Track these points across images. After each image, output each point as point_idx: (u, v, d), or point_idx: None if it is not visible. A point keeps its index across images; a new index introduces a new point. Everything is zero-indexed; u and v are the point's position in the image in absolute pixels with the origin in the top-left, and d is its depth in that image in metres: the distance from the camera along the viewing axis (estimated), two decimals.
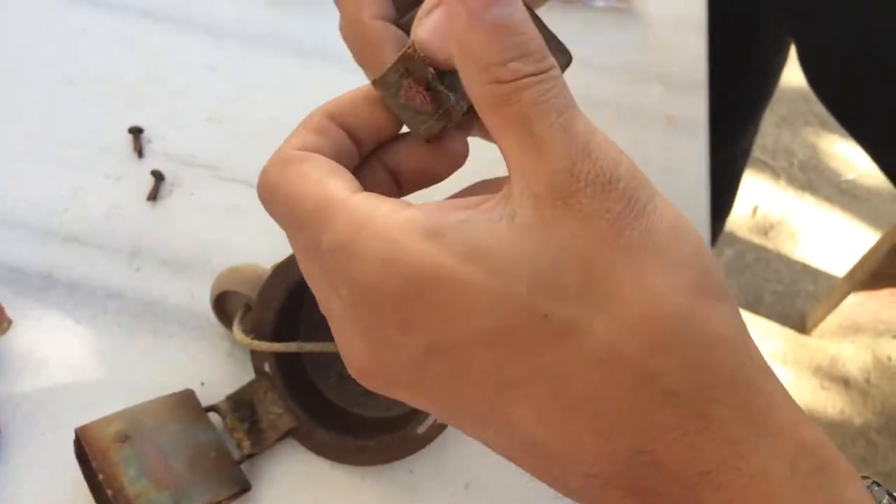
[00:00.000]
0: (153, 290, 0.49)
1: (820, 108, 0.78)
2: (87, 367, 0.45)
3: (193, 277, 0.49)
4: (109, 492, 0.36)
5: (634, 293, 0.22)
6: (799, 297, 1.46)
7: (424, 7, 0.27)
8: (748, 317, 1.42)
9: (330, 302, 0.26)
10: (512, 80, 0.23)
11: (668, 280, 0.23)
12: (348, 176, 0.26)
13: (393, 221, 0.23)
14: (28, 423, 0.43)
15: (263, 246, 0.48)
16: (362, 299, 0.24)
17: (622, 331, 0.22)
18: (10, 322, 0.45)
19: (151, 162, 0.54)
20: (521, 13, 0.24)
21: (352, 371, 0.26)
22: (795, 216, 1.55)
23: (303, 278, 0.38)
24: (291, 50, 0.59)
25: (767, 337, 1.42)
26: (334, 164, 0.26)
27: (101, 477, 0.37)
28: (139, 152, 0.54)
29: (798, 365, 1.39)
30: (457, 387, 0.24)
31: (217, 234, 0.51)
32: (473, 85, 0.24)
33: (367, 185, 0.27)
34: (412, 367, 0.24)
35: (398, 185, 0.29)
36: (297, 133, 0.27)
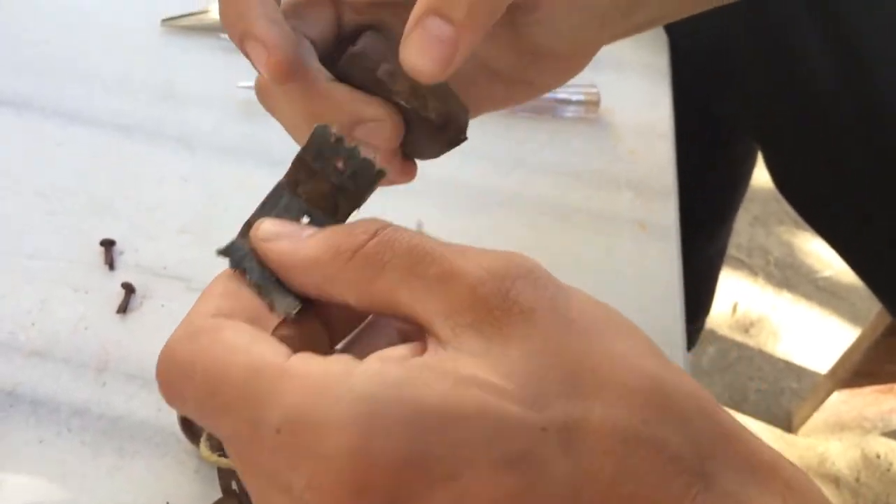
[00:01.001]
0: (119, 406, 0.47)
1: (792, 209, 0.80)
2: (49, 488, 0.44)
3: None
4: None
5: (612, 369, 0.22)
6: (783, 395, 1.45)
7: (408, 26, 0.27)
8: (735, 415, 1.42)
9: (277, 497, 0.22)
10: (364, 245, 0.24)
11: (630, 347, 0.23)
12: (272, 339, 0.23)
13: (365, 375, 0.21)
14: None
15: None
16: (335, 479, 0.20)
17: (619, 408, 0.22)
18: None
19: (123, 274, 0.53)
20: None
21: None
22: (775, 313, 1.57)
23: None
24: (263, 160, 0.60)
25: None
26: (253, 328, 0.24)
27: None
28: (110, 265, 0.53)
29: None
30: None
31: None
32: (332, 278, 0.24)
33: (297, 343, 0.24)
34: None
35: (330, 333, 0.27)
36: (205, 300, 0.25)
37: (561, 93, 0.64)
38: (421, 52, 0.27)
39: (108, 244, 0.54)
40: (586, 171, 0.62)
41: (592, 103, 0.64)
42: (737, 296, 1.59)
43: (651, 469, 0.22)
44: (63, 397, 0.48)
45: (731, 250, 1.63)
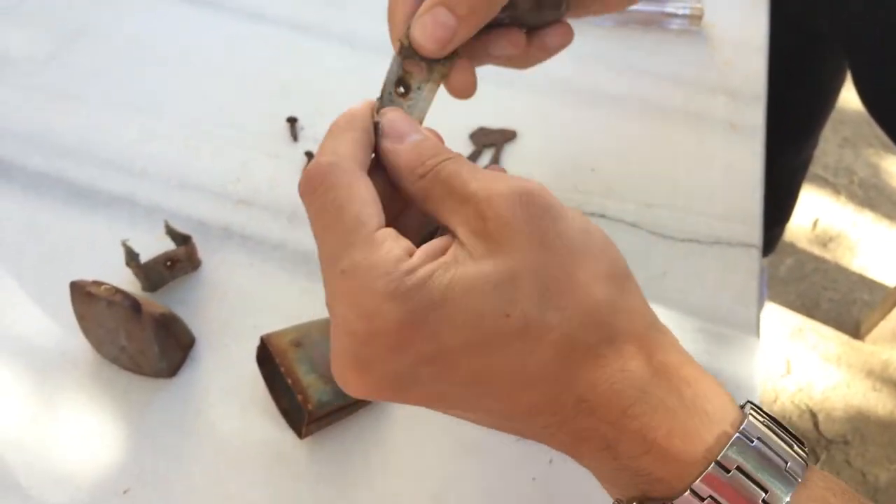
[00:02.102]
0: (307, 244, 0.61)
1: (882, 131, 0.86)
2: (258, 298, 0.58)
3: None
4: (289, 380, 0.49)
5: (569, 289, 0.30)
6: (855, 306, 1.53)
7: (423, 8, 0.36)
8: (805, 322, 1.50)
9: (330, 303, 0.31)
10: (430, 170, 0.32)
11: (590, 273, 0.30)
12: (379, 208, 0.31)
13: (397, 267, 0.29)
14: (215, 336, 0.56)
15: None
16: (358, 319, 0.29)
17: (569, 319, 0.29)
18: (200, 262, 0.59)
19: (304, 145, 0.66)
20: (425, 134, 0.34)
21: (337, 378, 0.32)
22: (854, 230, 1.62)
23: (432, 233, 0.51)
24: None
25: (822, 340, 1.50)
26: (374, 194, 0.32)
27: (282, 369, 0.49)
28: (294, 137, 0.67)
29: (852, 368, 1.46)
30: (440, 386, 0.31)
31: None
32: (408, 186, 0.33)
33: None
34: (398, 378, 0.30)
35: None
36: (349, 137, 0.33)
37: (668, 6, 0.73)
38: (426, 32, 0.36)
39: (292, 120, 0.67)
40: (686, 77, 0.72)
41: (696, 17, 0.73)
42: (819, 213, 1.65)
43: (579, 364, 0.30)
44: (265, 235, 0.61)
45: (818, 169, 1.69)
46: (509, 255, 0.29)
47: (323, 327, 0.52)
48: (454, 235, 0.31)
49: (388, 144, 0.34)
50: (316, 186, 0.31)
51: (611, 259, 0.31)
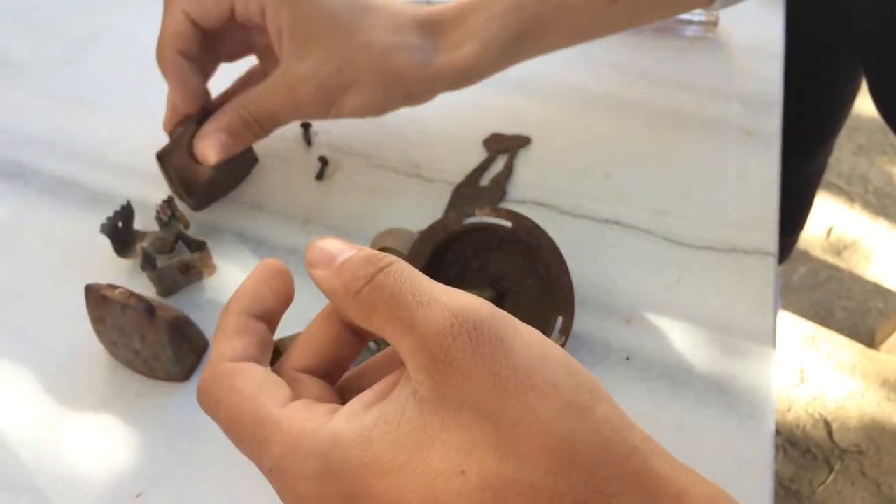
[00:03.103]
0: None
1: None
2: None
3: (351, 241, 0.61)
4: None
5: (527, 429, 0.26)
6: (870, 315, 1.52)
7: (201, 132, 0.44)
8: (818, 330, 1.49)
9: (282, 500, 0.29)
10: (365, 285, 0.28)
11: (548, 407, 0.26)
12: (278, 383, 0.29)
13: (324, 437, 0.27)
14: None
15: (404, 220, 0.61)
16: None
17: (528, 465, 0.25)
18: (215, 267, 0.59)
19: (318, 150, 0.67)
20: (351, 248, 0.31)
21: None
22: (869, 238, 1.61)
23: (444, 241, 0.52)
24: None
25: (837, 349, 1.49)
26: (264, 373, 0.30)
27: None
28: (308, 142, 0.67)
29: (866, 377, 1.45)
30: None
31: (369, 208, 0.63)
32: (349, 311, 0.29)
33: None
34: None
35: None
36: (222, 339, 0.31)
37: (683, 13, 0.73)
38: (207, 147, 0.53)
39: (306, 126, 0.67)
40: (701, 83, 0.72)
41: (711, 23, 0.73)
42: (833, 221, 1.64)
43: None
44: (278, 241, 0.61)
45: (832, 177, 1.68)
46: (460, 399, 0.26)
47: None
48: (404, 363, 0.28)
49: (318, 273, 0.31)
50: (209, 405, 0.30)
51: (574, 385, 0.27)
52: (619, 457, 0.26)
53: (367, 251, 0.30)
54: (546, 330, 0.51)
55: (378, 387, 0.29)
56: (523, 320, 0.29)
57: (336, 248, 0.31)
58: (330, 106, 0.55)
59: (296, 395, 0.30)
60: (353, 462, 0.26)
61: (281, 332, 0.52)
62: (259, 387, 0.29)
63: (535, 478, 0.25)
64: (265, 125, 0.56)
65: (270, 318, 0.33)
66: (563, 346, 0.51)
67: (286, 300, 0.34)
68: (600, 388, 0.28)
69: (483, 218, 0.53)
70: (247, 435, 0.28)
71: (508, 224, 0.53)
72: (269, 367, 0.32)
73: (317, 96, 0.54)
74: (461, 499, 0.26)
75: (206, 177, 0.60)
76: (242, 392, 0.29)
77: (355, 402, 0.28)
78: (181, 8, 0.53)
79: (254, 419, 0.28)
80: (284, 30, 0.53)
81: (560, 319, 0.51)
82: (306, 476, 0.27)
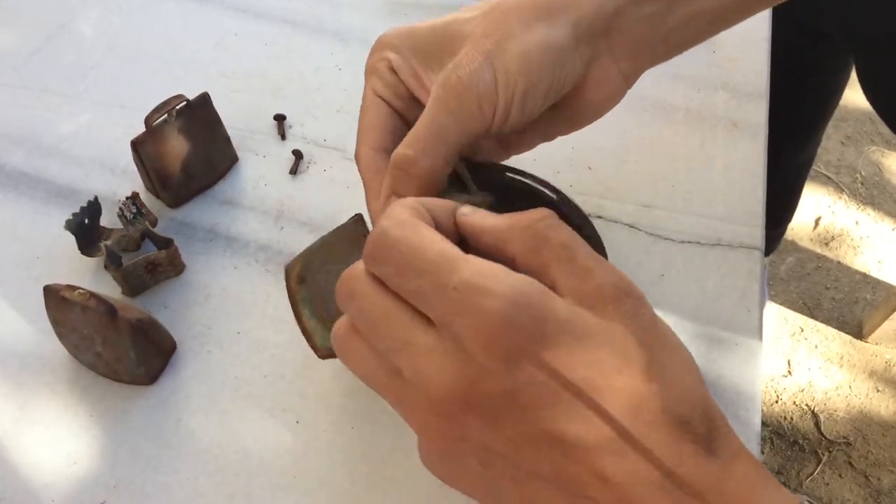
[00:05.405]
0: (293, 245, 0.59)
1: (885, 129, 0.84)
2: (242, 301, 0.56)
3: None
4: (299, 326, 0.45)
5: (670, 368, 0.30)
6: (857, 305, 1.51)
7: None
8: (806, 321, 1.49)
9: (445, 321, 0.30)
10: (540, 220, 0.32)
11: (679, 371, 0.30)
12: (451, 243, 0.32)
13: (515, 277, 0.29)
14: (198, 341, 0.54)
15: None
16: (481, 328, 0.29)
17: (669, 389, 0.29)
18: (184, 266, 0.57)
19: (292, 143, 0.65)
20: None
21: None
22: (857, 228, 1.61)
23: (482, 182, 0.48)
24: None
25: (824, 340, 1.48)
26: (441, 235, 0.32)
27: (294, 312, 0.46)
28: (282, 135, 0.65)
29: (854, 368, 1.45)
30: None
31: (343, 202, 0.61)
32: (509, 238, 0.32)
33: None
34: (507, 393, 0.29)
35: None
36: (401, 206, 0.33)
37: None
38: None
39: (280, 118, 0.65)
40: (688, 74, 0.70)
41: None
42: (821, 211, 1.63)
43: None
44: (250, 236, 0.59)
45: (820, 167, 1.67)
46: (599, 335, 0.30)
47: (324, 249, 0.48)
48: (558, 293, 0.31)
49: (474, 217, 0.34)
50: (384, 245, 0.31)
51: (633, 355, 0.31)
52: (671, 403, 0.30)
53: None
54: None
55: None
56: None
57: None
58: None
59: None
60: (550, 301, 0.29)
61: (259, 330, 0.50)
62: (441, 237, 0.31)
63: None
64: None
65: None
66: None
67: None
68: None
69: (528, 181, 0.49)
70: (430, 264, 0.30)
71: (554, 197, 0.48)
72: None
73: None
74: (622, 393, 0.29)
75: (177, 169, 0.58)
76: (427, 235, 0.31)
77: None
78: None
79: (441, 252, 0.30)
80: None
81: None
82: (502, 293, 0.28)
